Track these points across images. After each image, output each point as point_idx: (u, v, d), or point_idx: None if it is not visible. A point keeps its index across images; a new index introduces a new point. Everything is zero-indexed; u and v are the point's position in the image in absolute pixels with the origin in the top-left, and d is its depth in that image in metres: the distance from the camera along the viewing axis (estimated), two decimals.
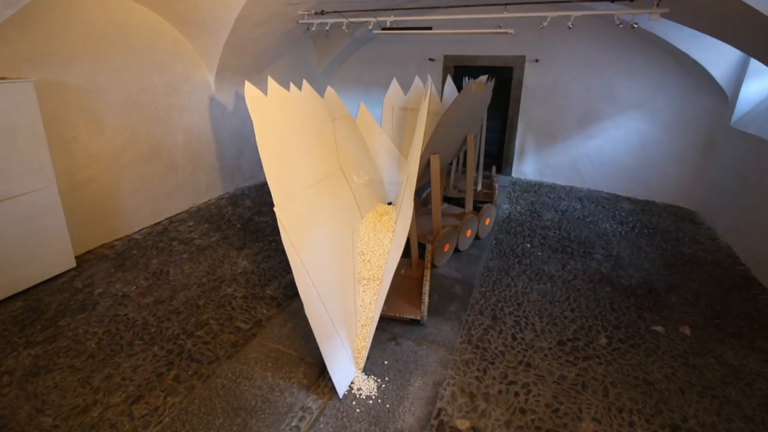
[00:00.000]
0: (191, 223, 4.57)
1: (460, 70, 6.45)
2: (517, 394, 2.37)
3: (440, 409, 2.25)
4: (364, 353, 2.47)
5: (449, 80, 4.67)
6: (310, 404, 2.26)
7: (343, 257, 2.69)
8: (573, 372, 2.54)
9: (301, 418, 2.17)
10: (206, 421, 2.14)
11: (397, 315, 2.87)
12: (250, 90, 2.32)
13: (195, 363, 2.55)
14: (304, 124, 2.73)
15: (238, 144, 5.60)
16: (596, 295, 3.37)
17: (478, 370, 2.54)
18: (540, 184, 6.20)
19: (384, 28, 4.29)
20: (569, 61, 5.67)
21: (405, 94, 4.07)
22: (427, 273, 2.99)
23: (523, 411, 2.25)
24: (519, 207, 5.27)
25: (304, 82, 2.87)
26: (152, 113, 4.33)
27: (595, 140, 5.81)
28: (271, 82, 2.48)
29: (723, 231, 4.49)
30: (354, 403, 2.27)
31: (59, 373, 2.43)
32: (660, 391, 2.41)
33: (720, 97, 4.82)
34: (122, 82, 3.97)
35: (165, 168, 4.57)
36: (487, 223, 4.36)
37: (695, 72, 4.79)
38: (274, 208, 2.26)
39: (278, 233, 4.30)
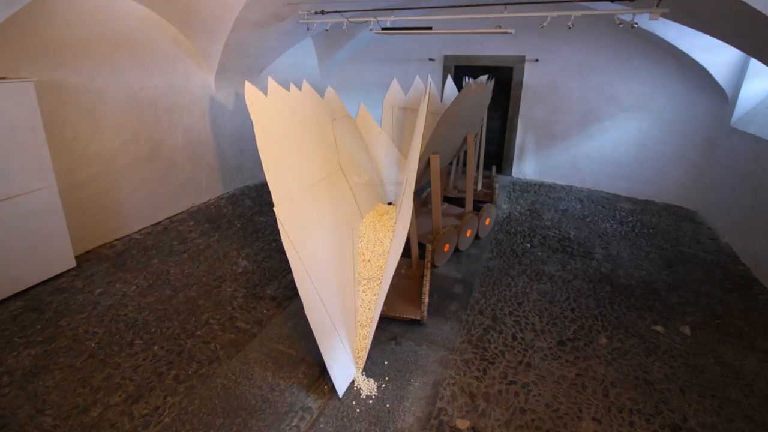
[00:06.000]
0: (191, 223, 4.57)
1: (460, 70, 6.45)
2: (517, 393, 2.37)
3: (440, 409, 2.25)
4: (364, 353, 2.47)
5: (449, 80, 4.67)
6: (310, 404, 2.26)
7: (343, 257, 2.69)
8: (573, 372, 2.54)
9: (301, 418, 2.17)
10: (206, 421, 2.14)
11: (397, 315, 2.87)
12: (250, 90, 2.32)
13: (195, 363, 2.55)
14: (304, 124, 2.73)
15: (238, 144, 5.60)
16: (596, 295, 3.37)
17: (478, 369, 2.54)
18: (540, 184, 6.20)
19: (384, 28, 4.28)
20: (569, 61, 5.67)
21: (405, 94, 4.07)
22: (427, 273, 2.99)
23: (523, 411, 2.25)
24: (519, 207, 5.27)
25: (304, 82, 2.87)
26: (152, 113, 4.33)
27: (595, 140, 5.81)
28: (271, 82, 2.49)
29: (723, 231, 4.49)
30: (354, 402, 2.27)
31: (59, 373, 2.44)
32: (660, 391, 2.41)
33: (720, 97, 4.82)
34: (122, 82, 3.97)
35: (165, 168, 4.57)
36: (487, 222, 4.36)
37: (695, 72, 4.79)
38: (274, 208, 2.26)
39: (278, 233, 4.29)
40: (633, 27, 3.36)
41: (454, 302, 3.23)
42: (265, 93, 2.43)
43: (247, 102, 2.30)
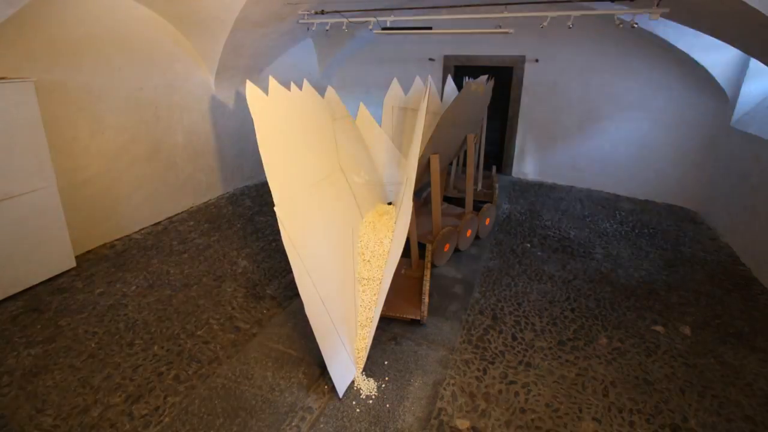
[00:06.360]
0: (191, 223, 4.57)
1: (460, 70, 6.44)
2: (517, 393, 2.37)
3: (440, 409, 2.25)
4: (364, 353, 2.47)
5: (449, 80, 4.67)
6: (310, 404, 2.26)
7: (343, 257, 2.69)
8: (573, 372, 2.54)
9: (302, 418, 2.17)
10: (206, 421, 2.14)
11: (397, 315, 2.87)
12: (251, 89, 2.32)
13: (195, 363, 2.55)
14: (305, 124, 2.73)
15: (238, 144, 5.60)
16: (596, 295, 3.37)
17: (478, 369, 2.54)
18: (540, 184, 6.20)
19: (384, 28, 4.29)
20: (569, 61, 5.67)
21: (405, 94, 4.07)
22: (427, 273, 2.99)
23: (523, 411, 2.25)
24: (519, 207, 5.27)
25: (305, 81, 2.87)
26: (152, 113, 4.33)
27: (595, 140, 5.81)
28: (272, 82, 2.48)
29: (723, 231, 4.49)
30: (354, 403, 2.27)
31: (59, 373, 2.43)
32: (660, 391, 2.41)
33: (720, 97, 4.82)
34: (122, 82, 3.97)
35: (165, 168, 4.57)
36: (487, 223, 4.36)
37: (695, 72, 4.79)
38: (275, 208, 2.26)
39: (278, 233, 4.29)
40: (633, 27, 3.36)
41: (454, 302, 3.23)
42: (266, 92, 2.43)
43: (249, 101, 2.30)
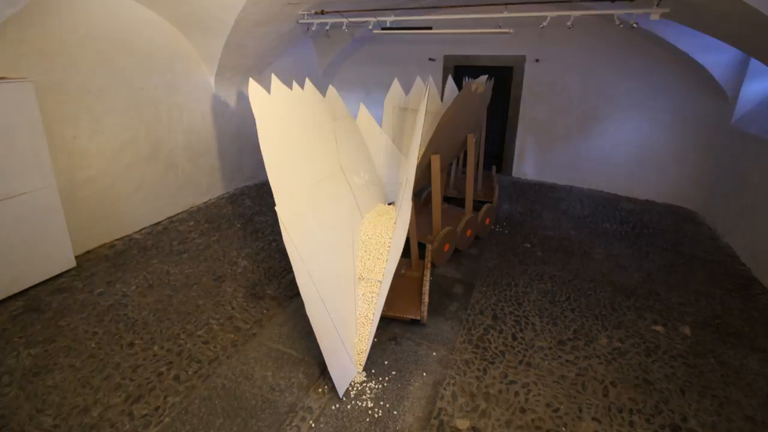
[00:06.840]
0: (191, 223, 4.57)
1: (460, 70, 6.45)
2: (517, 393, 2.37)
3: (440, 409, 2.25)
4: (365, 353, 2.47)
5: (450, 80, 4.67)
6: (310, 404, 2.26)
7: (343, 257, 2.69)
8: (573, 372, 2.54)
9: (302, 418, 2.17)
10: (206, 421, 2.14)
11: (397, 315, 2.87)
12: (254, 88, 2.32)
13: (195, 363, 2.55)
14: (306, 123, 2.73)
15: (239, 144, 5.59)
16: (596, 295, 3.37)
17: (479, 369, 2.54)
18: (540, 184, 6.20)
19: (384, 28, 4.29)
20: (569, 61, 5.67)
21: (406, 94, 4.07)
22: (427, 273, 2.99)
23: (523, 410, 2.25)
24: (519, 207, 5.27)
25: (307, 80, 2.87)
26: (152, 113, 4.33)
27: (595, 140, 5.81)
28: (275, 80, 2.48)
29: (723, 231, 4.49)
30: (354, 403, 2.27)
31: (59, 373, 2.43)
32: (660, 391, 2.41)
33: (720, 97, 4.82)
34: (122, 82, 3.97)
35: (165, 168, 4.57)
36: (487, 223, 4.36)
37: (695, 72, 4.79)
38: (276, 208, 2.26)
39: (278, 233, 4.30)
40: (633, 27, 3.37)
41: (454, 302, 3.23)
42: (268, 91, 2.43)
43: (251, 99, 2.30)
